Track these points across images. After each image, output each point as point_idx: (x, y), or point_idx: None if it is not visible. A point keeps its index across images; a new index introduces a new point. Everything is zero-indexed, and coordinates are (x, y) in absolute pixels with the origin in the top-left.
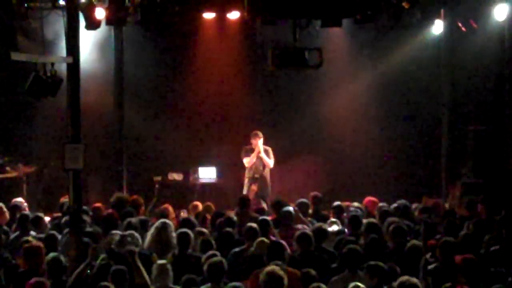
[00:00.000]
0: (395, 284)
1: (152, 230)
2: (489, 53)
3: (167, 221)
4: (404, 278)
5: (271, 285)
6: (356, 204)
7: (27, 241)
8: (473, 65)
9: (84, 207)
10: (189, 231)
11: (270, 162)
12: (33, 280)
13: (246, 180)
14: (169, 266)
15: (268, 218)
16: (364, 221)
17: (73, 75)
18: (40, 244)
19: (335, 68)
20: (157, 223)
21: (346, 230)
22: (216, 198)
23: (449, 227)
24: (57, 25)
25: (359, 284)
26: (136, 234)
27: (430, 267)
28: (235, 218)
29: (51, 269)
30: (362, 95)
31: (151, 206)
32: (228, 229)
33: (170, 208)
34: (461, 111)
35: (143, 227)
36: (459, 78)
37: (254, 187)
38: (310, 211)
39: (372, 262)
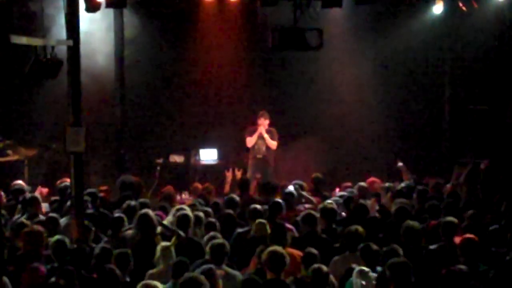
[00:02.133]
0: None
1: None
2: (489, 32)
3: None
4: (395, 259)
5: (272, 264)
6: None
7: (25, 225)
8: (474, 45)
9: (93, 190)
10: (189, 213)
11: (272, 143)
12: (30, 266)
13: (249, 162)
14: (172, 249)
15: (280, 200)
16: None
17: (74, 58)
18: (40, 228)
19: (336, 49)
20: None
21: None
22: (218, 179)
23: (451, 208)
24: (57, 8)
25: (364, 268)
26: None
27: (431, 247)
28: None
29: (56, 251)
30: (363, 76)
31: (152, 189)
32: (229, 210)
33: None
34: (463, 91)
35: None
36: (460, 57)
37: (258, 175)
38: (305, 193)
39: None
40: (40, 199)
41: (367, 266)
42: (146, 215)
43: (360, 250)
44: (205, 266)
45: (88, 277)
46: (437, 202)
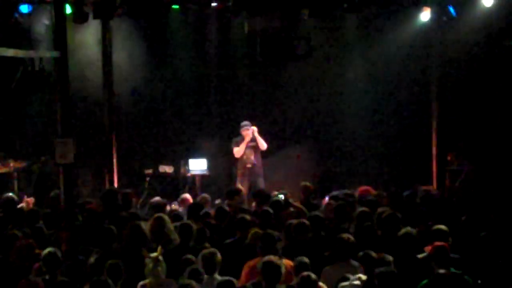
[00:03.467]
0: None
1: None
2: (476, 39)
3: (162, 215)
4: (382, 268)
5: (268, 274)
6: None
7: (16, 236)
8: (461, 51)
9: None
10: (192, 224)
11: (263, 143)
12: (24, 281)
13: (238, 172)
14: (161, 258)
15: (270, 210)
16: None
17: (62, 70)
18: (31, 241)
19: (324, 57)
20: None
21: None
22: (207, 190)
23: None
24: (44, 20)
25: (361, 275)
26: None
27: (421, 255)
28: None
29: (47, 264)
30: (351, 83)
31: (142, 199)
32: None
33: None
34: (450, 98)
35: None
36: (447, 63)
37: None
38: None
39: (362, 252)
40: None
41: (366, 274)
42: (137, 227)
43: (360, 258)
44: None
45: None
46: (425, 209)
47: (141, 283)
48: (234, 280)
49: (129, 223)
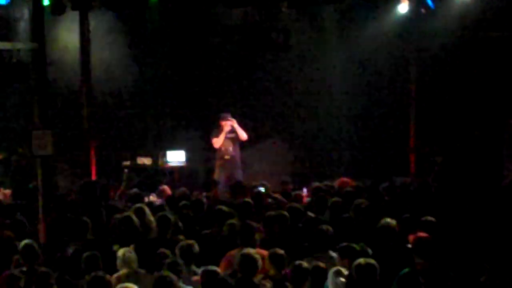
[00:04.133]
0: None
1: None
2: (454, 31)
3: (142, 205)
4: (361, 259)
5: (245, 267)
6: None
7: None
8: (439, 43)
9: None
10: (170, 215)
11: (243, 134)
12: (6, 273)
13: (217, 163)
14: (132, 251)
15: (249, 200)
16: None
17: (39, 62)
18: (10, 233)
19: (303, 49)
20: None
21: None
22: (186, 181)
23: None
24: (21, 11)
25: (341, 268)
26: None
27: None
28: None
29: (25, 256)
30: (329, 75)
31: (120, 191)
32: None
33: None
34: (429, 89)
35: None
36: (426, 55)
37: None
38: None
39: (343, 244)
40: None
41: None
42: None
43: (339, 250)
44: None
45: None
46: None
47: (115, 275)
48: (218, 269)
49: (122, 215)
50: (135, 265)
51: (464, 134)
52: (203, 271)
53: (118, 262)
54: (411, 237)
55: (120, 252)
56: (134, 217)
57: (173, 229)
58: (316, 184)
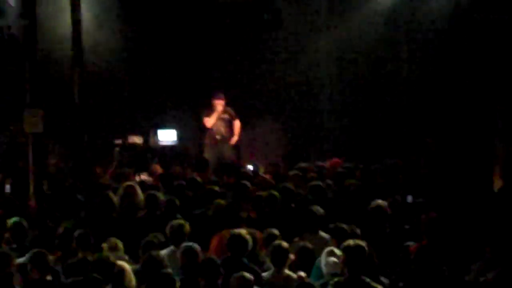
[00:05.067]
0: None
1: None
2: (445, 14)
3: (133, 183)
4: (350, 241)
5: (235, 247)
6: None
7: None
8: (430, 27)
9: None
10: (158, 193)
11: (237, 127)
12: None
13: (207, 142)
14: (118, 241)
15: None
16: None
17: (30, 38)
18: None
19: (293, 29)
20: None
21: None
22: (177, 160)
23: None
24: None
25: (334, 249)
26: None
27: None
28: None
29: (14, 233)
30: (321, 57)
31: (111, 170)
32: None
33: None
34: (419, 74)
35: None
36: (416, 40)
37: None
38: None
39: (332, 224)
40: None
41: (337, 246)
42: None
43: (330, 231)
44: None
45: None
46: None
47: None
48: (197, 247)
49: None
50: (121, 251)
51: (454, 125)
52: (183, 250)
53: (104, 246)
54: (423, 217)
55: (107, 242)
56: (113, 196)
57: (167, 209)
58: (303, 165)
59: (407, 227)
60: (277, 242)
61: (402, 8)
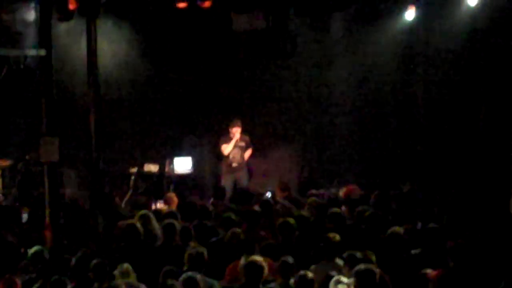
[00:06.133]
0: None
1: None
2: (461, 37)
3: (147, 212)
4: (361, 265)
5: (250, 274)
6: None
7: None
8: (446, 50)
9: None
10: (175, 222)
11: (248, 153)
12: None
13: (224, 169)
14: (130, 267)
15: (258, 209)
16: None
17: (46, 68)
18: (15, 239)
19: (309, 56)
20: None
21: None
22: (193, 189)
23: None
24: (29, 18)
25: (342, 277)
26: None
27: (413, 252)
28: (211, 208)
29: (34, 262)
30: (337, 83)
31: (126, 198)
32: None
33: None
34: (436, 95)
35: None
36: (432, 63)
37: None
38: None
39: (347, 252)
40: None
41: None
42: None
43: (345, 259)
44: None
45: None
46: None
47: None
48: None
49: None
50: (133, 277)
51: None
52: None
53: (116, 273)
54: (449, 243)
55: (118, 268)
56: (138, 225)
57: (183, 237)
58: (313, 191)
59: (417, 252)
60: (302, 272)
61: (419, 32)
